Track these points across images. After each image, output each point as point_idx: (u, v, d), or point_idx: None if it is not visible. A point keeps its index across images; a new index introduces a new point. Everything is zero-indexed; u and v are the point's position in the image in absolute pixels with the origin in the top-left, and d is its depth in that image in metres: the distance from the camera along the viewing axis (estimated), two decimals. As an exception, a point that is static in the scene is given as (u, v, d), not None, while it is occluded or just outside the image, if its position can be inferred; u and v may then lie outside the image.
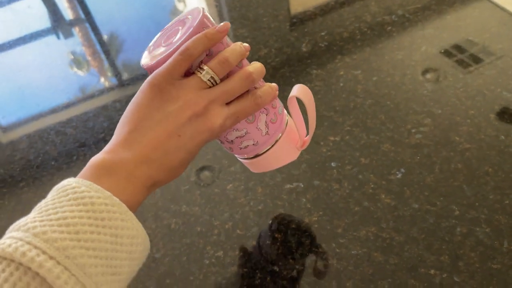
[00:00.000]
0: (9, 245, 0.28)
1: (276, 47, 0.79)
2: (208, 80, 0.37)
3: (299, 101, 0.42)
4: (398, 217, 0.52)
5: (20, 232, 0.29)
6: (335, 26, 0.81)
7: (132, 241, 0.32)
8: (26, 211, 0.61)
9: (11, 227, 0.30)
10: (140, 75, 0.81)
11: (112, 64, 0.88)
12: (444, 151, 0.58)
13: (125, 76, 0.83)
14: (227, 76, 0.38)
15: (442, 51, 0.72)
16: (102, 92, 0.81)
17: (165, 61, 0.37)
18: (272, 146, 0.42)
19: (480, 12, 0.79)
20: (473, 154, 0.57)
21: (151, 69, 0.38)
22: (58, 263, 0.27)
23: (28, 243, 0.28)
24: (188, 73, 0.37)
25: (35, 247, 0.28)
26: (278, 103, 0.43)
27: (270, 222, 0.54)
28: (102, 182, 0.33)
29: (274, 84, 0.42)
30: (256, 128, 0.41)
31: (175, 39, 0.38)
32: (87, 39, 0.99)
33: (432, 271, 0.47)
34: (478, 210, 0.51)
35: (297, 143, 0.45)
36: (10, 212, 0.62)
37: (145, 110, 0.36)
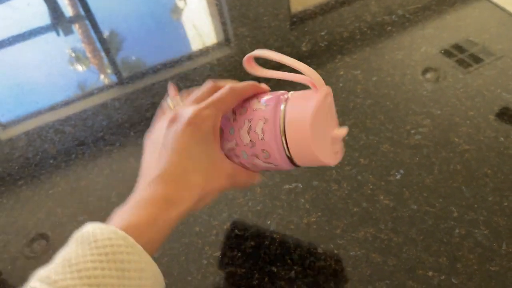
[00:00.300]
0: None
1: (276, 46, 0.79)
2: None
3: None
4: (396, 218, 0.52)
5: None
6: (335, 26, 0.81)
7: (140, 275, 0.31)
8: (24, 209, 0.61)
9: (35, 277, 0.30)
10: (140, 73, 0.81)
11: (112, 62, 0.88)
12: (444, 152, 0.58)
13: (125, 74, 0.83)
14: None
15: (442, 51, 0.72)
16: (101, 90, 0.80)
17: None
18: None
19: (480, 12, 0.79)
20: (472, 156, 0.57)
21: None
22: None
23: None
24: None
25: None
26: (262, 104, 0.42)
27: (269, 222, 0.54)
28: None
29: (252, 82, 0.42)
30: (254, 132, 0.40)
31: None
32: (87, 36, 0.98)
33: (430, 273, 0.47)
34: (477, 211, 0.51)
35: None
36: (9, 210, 0.62)
37: None
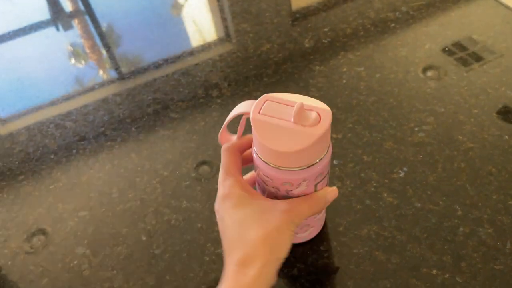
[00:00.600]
0: None
1: (278, 42, 0.78)
2: None
3: None
4: (400, 216, 0.52)
5: None
6: (338, 22, 0.81)
7: None
8: (24, 204, 0.61)
9: None
10: (141, 69, 0.80)
11: (112, 57, 0.87)
12: (447, 150, 0.57)
13: (124, 69, 0.82)
14: None
15: (446, 48, 0.72)
16: (102, 85, 0.80)
17: None
18: None
19: (484, 10, 0.78)
20: (476, 154, 0.56)
21: None
22: None
23: None
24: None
25: None
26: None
27: (271, 219, 0.53)
28: None
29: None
30: None
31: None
32: (86, 31, 0.98)
33: (434, 271, 0.47)
34: (481, 210, 0.51)
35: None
36: (9, 205, 0.61)
37: None
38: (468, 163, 0.56)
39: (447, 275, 0.46)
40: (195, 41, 0.86)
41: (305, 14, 0.85)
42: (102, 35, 0.94)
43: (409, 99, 0.65)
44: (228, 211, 0.39)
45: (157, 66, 0.80)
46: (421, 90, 0.66)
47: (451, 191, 0.53)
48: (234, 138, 0.45)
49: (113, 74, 0.82)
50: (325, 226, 0.52)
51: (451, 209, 0.51)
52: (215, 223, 0.54)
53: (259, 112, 0.37)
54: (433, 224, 0.50)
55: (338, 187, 0.55)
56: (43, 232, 0.57)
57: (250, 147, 0.44)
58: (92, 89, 0.79)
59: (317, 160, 0.38)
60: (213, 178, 0.59)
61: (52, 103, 0.77)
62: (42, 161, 0.66)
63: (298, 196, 0.40)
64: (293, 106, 0.37)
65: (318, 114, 0.36)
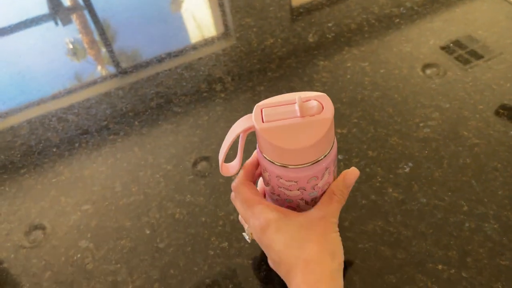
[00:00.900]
0: None
1: (282, 37, 0.78)
2: None
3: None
4: (405, 211, 0.51)
5: None
6: (342, 17, 0.80)
7: None
8: (27, 198, 0.60)
9: None
10: (144, 63, 0.80)
11: (111, 52, 0.86)
12: (453, 146, 0.57)
13: (124, 64, 0.82)
14: None
15: (451, 44, 0.71)
16: (104, 78, 0.79)
17: None
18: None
19: (488, 6, 0.78)
20: (481, 149, 0.56)
21: None
22: None
23: None
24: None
25: None
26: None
27: (276, 214, 0.53)
28: None
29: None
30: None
31: None
32: (84, 26, 0.97)
33: (440, 266, 0.46)
34: (486, 205, 0.51)
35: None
36: (11, 198, 0.61)
37: None
38: (474, 159, 0.55)
39: (453, 270, 0.46)
40: (197, 35, 0.86)
41: (309, 8, 0.84)
42: (100, 30, 0.93)
43: (414, 95, 0.64)
44: (273, 237, 0.39)
45: (159, 60, 0.79)
46: (426, 86, 0.65)
47: (456, 187, 0.53)
48: (235, 164, 0.44)
49: (114, 68, 0.82)
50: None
51: (456, 204, 0.51)
52: (219, 217, 0.54)
53: (262, 122, 0.37)
54: (439, 219, 0.50)
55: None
56: (45, 225, 0.57)
57: (255, 169, 0.44)
58: (94, 82, 0.78)
59: (333, 143, 0.38)
60: (216, 173, 0.59)
61: (54, 97, 0.76)
62: (44, 154, 0.66)
63: (323, 189, 0.40)
64: (290, 104, 0.36)
65: (317, 100, 0.36)
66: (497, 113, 0.60)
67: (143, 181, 0.60)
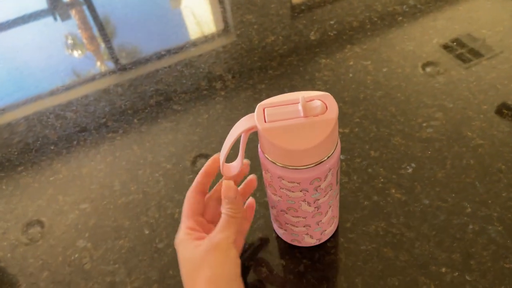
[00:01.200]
0: None
1: (283, 34, 0.77)
2: None
3: None
4: (408, 212, 0.51)
5: None
6: (344, 15, 0.79)
7: None
8: (24, 196, 0.59)
9: None
10: (143, 59, 0.79)
11: (110, 48, 0.85)
12: (456, 146, 0.56)
13: (123, 60, 0.81)
14: None
15: (454, 43, 0.71)
16: (103, 75, 0.78)
17: None
18: None
19: (492, 4, 0.77)
20: (485, 150, 0.56)
21: None
22: None
23: None
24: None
25: None
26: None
27: (277, 214, 0.53)
28: None
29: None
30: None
31: None
32: (83, 22, 0.96)
33: (443, 269, 0.46)
34: (490, 207, 0.50)
35: None
36: (8, 197, 0.60)
37: None
38: (477, 160, 0.55)
39: (456, 273, 0.45)
40: (197, 32, 0.85)
41: (310, 6, 0.83)
42: (100, 26, 0.92)
43: (417, 94, 0.64)
44: (179, 256, 0.42)
45: (159, 56, 0.78)
46: (429, 85, 0.65)
47: (460, 188, 0.52)
48: (236, 164, 0.43)
49: (113, 65, 0.81)
50: (331, 222, 0.51)
51: (460, 206, 0.51)
52: (219, 218, 0.53)
53: (265, 122, 0.36)
54: (442, 221, 0.50)
55: (345, 182, 0.54)
56: (42, 224, 0.56)
57: (207, 179, 0.46)
58: (93, 79, 0.77)
59: (337, 144, 0.37)
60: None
61: (52, 93, 0.75)
62: (42, 152, 0.65)
63: (326, 190, 0.40)
64: (294, 104, 0.36)
65: (321, 100, 0.36)
66: (501, 113, 0.59)
67: (142, 180, 0.59)
